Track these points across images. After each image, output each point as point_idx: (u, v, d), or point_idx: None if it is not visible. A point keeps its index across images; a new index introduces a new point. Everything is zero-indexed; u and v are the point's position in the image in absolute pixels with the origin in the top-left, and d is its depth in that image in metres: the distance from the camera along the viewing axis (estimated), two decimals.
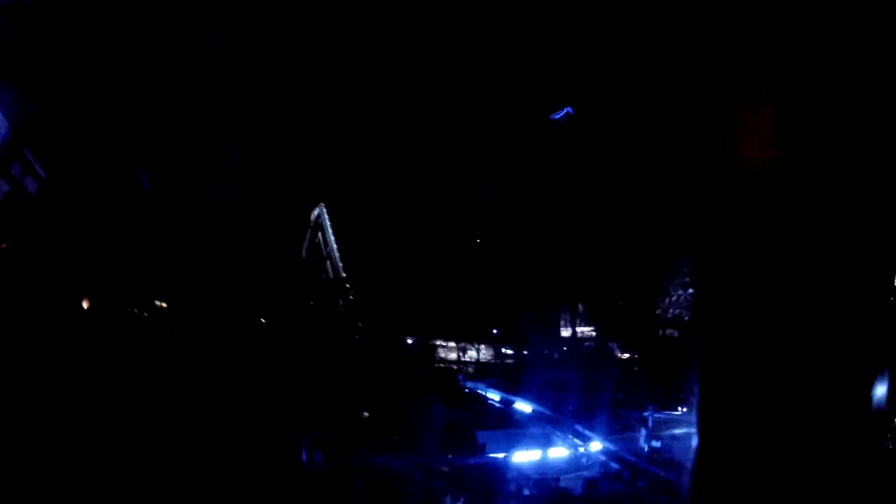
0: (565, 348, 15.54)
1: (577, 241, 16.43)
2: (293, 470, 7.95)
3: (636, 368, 14.44)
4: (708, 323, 4.22)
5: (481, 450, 8.94)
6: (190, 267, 10.35)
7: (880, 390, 3.60)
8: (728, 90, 4.03)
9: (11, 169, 7.33)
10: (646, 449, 9.67)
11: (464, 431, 8.93)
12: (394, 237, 16.63)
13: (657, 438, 9.66)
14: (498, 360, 14.71)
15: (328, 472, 8.39)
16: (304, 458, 8.07)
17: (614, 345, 16.37)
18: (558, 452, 9.50)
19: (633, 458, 9.07)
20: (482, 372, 12.52)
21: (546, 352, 14.54)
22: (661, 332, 17.38)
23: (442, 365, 16.26)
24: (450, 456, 8.45)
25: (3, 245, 7.26)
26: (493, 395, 10.63)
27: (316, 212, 15.39)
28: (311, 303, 14.11)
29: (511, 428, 9.63)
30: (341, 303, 15.23)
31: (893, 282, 3.74)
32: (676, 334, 16.19)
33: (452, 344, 16.31)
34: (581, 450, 9.55)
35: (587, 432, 9.67)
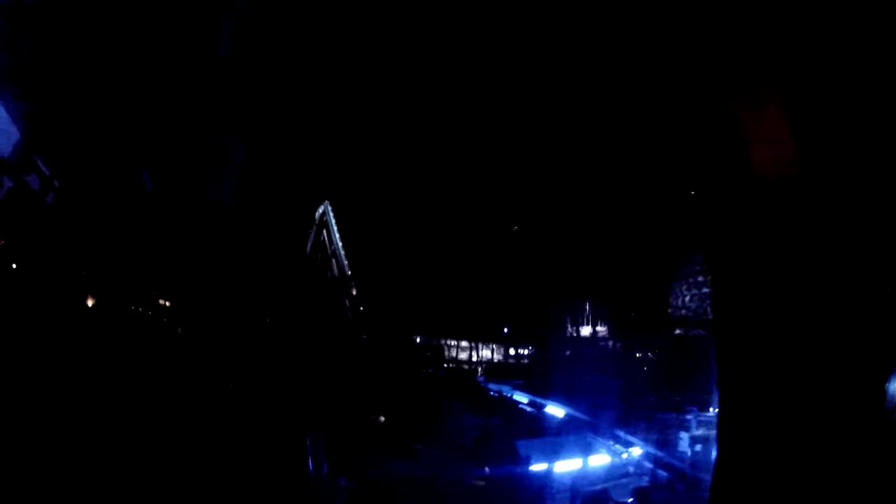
0: (585, 348, 14.95)
1: (593, 241, 16.05)
2: (298, 482, 7.39)
3: (661, 368, 13.85)
4: (724, 323, 4.24)
5: (523, 461, 7.89)
6: (194, 265, 10.14)
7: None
8: (729, 91, 4.08)
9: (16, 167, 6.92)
10: (689, 453, 9.00)
11: (501, 440, 8.06)
12: (400, 234, 16.10)
13: (698, 441, 8.99)
14: (514, 361, 14.12)
15: (337, 482, 7.73)
16: (310, 466, 7.42)
17: (633, 345, 15.86)
18: (600, 460, 8.76)
19: (681, 465, 8.38)
20: (502, 373, 11.86)
21: (567, 352, 13.96)
22: (679, 331, 16.87)
23: (453, 365, 15.63)
24: (487, 468, 7.29)
25: (1, 241, 6.81)
26: (522, 399, 9.91)
27: (321, 209, 14.86)
28: (317, 301, 13.63)
29: (548, 435, 8.85)
30: (347, 301, 14.70)
31: None
32: (701, 333, 15.65)
33: (465, 343, 15.68)
34: (624, 456, 8.85)
35: (628, 437, 8.97)
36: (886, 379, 3.60)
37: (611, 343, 15.48)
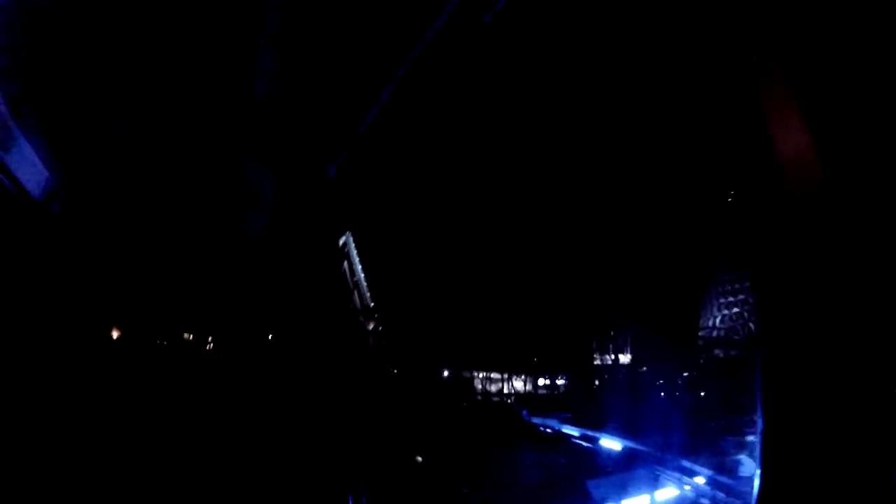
0: (621, 375, 14.41)
1: (618, 265, 15.58)
2: None
3: (706, 391, 13.33)
4: (771, 336, 4.24)
5: (596, 503, 7.20)
6: (218, 299, 9.87)
7: None
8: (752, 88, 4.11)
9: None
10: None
11: (568, 480, 7.47)
12: (422, 263, 15.75)
13: None
14: (548, 391, 13.59)
15: None
16: None
17: (667, 369, 15.33)
18: (668, 493, 8.22)
19: (751, 489, 7.82)
20: (544, 405, 11.35)
21: (606, 379, 13.44)
22: (718, 351, 16.34)
23: (488, 398, 15.09)
24: None
25: None
26: (573, 432, 9.34)
27: (342, 240, 14.60)
28: (342, 335, 13.23)
29: (611, 471, 8.27)
30: (371, 335, 14.29)
31: None
32: (736, 353, 15.14)
33: (495, 375, 15.17)
34: (689, 487, 8.30)
35: (692, 466, 8.43)
36: None
37: (644, 368, 14.96)
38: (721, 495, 7.86)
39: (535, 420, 10.02)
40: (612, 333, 15.34)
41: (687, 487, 8.15)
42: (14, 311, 6.60)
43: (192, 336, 9.26)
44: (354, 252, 15.01)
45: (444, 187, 14.87)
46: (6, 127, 6.41)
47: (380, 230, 15.92)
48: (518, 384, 13.79)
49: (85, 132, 7.48)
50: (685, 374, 13.88)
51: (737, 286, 14.83)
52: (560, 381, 14.01)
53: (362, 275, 15.49)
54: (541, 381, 14.81)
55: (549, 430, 9.37)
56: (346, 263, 14.94)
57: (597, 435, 8.85)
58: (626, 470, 8.17)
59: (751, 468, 9.27)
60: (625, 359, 15.01)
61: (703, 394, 12.83)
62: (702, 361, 14.85)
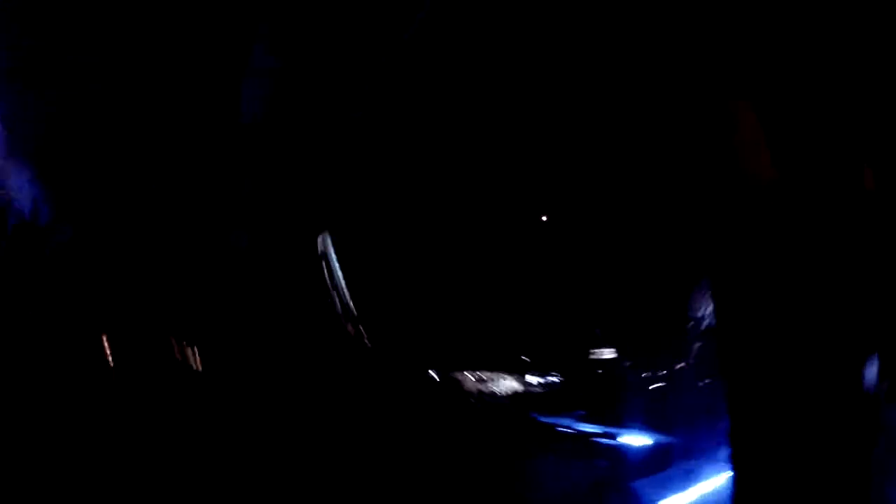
0: (630, 368, 14.06)
1: (604, 256, 15.24)
2: None
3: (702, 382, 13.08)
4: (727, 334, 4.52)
5: None
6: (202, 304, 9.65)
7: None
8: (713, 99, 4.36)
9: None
10: None
11: (612, 484, 6.69)
12: (405, 260, 15.18)
13: None
14: (545, 390, 13.17)
15: None
16: None
17: (655, 360, 15.11)
18: (712, 484, 7.85)
19: None
20: (552, 404, 10.86)
21: (612, 371, 13.06)
22: (707, 342, 16.25)
23: (478, 399, 14.57)
24: None
25: None
26: (593, 430, 8.82)
27: (319, 242, 14.10)
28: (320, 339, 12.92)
29: (650, 469, 7.76)
30: (353, 338, 13.73)
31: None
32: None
33: (486, 375, 14.65)
34: (729, 475, 7.91)
35: (723, 453, 8.06)
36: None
37: (630, 363, 14.66)
38: None
39: (548, 420, 9.45)
40: (596, 327, 15.01)
41: (729, 474, 7.76)
42: None
43: (173, 340, 9.34)
44: (333, 253, 14.51)
45: (431, 178, 14.38)
46: None
47: (362, 226, 15.34)
48: (511, 384, 13.32)
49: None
50: (680, 366, 13.65)
51: None
52: (554, 379, 13.59)
53: (342, 276, 14.90)
54: (534, 380, 14.40)
55: (568, 431, 8.79)
56: (324, 266, 14.41)
57: (619, 431, 8.36)
58: (666, 465, 7.76)
59: None
60: (618, 350, 14.67)
61: (700, 384, 12.56)
62: (695, 352, 14.67)
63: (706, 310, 15.50)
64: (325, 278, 14.08)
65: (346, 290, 14.30)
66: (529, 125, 14.19)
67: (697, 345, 14.45)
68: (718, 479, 7.65)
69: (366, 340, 13.65)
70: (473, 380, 13.40)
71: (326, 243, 14.20)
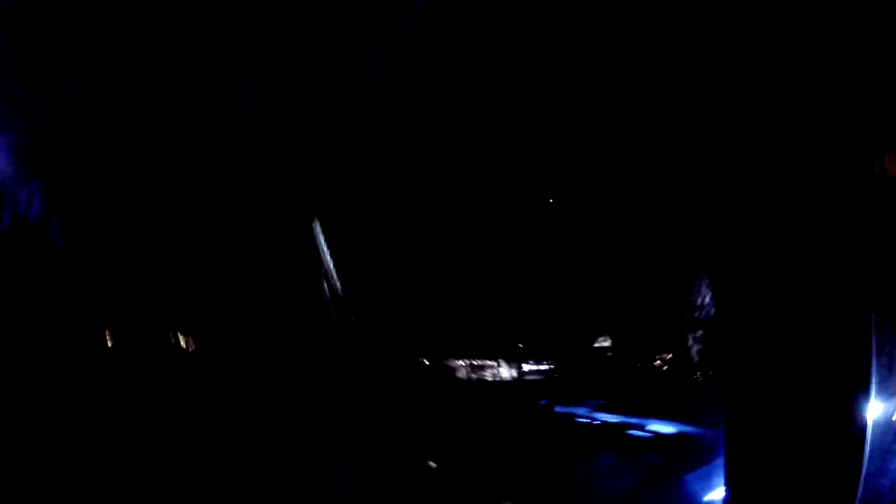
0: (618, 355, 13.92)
1: (602, 244, 15.03)
2: None
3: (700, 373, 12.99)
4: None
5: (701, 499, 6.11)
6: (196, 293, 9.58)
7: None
8: None
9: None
10: None
11: (663, 479, 6.22)
12: (396, 247, 14.83)
13: None
14: (543, 377, 12.97)
15: None
16: None
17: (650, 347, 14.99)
18: None
19: None
20: (565, 391, 10.61)
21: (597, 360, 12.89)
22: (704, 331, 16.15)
23: (475, 386, 14.31)
24: None
25: None
26: (615, 420, 8.50)
27: (307, 229, 13.84)
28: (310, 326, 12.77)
29: (690, 460, 7.41)
30: (342, 324, 13.42)
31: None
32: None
33: (478, 362, 14.39)
34: None
35: None
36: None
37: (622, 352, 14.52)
38: None
39: (564, 410, 9.08)
40: (592, 315, 14.82)
41: None
42: None
43: (173, 332, 9.23)
44: (322, 240, 14.19)
45: (424, 164, 14.04)
46: None
47: (352, 211, 15.01)
48: (506, 371, 13.10)
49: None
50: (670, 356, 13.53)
51: None
52: (546, 366, 13.39)
53: (331, 263, 14.56)
54: (527, 368, 14.18)
55: (594, 422, 8.43)
56: (312, 251, 14.13)
57: (643, 421, 8.04)
58: (711, 458, 7.47)
59: None
60: (616, 338, 14.53)
61: (699, 375, 12.42)
62: (691, 340, 14.57)
63: (706, 298, 15.43)
64: (314, 264, 13.72)
65: (335, 276, 13.93)
66: (525, 115, 13.91)
67: (699, 333, 14.39)
68: None
69: (354, 325, 13.32)
70: (467, 367, 13.14)
71: (316, 229, 13.85)
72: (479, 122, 14.44)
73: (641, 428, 7.57)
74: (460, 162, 14.52)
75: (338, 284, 14.04)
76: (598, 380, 11.30)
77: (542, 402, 9.83)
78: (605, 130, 13.46)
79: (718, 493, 6.03)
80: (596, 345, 13.67)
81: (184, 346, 9.09)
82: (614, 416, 8.20)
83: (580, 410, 8.65)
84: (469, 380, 12.76)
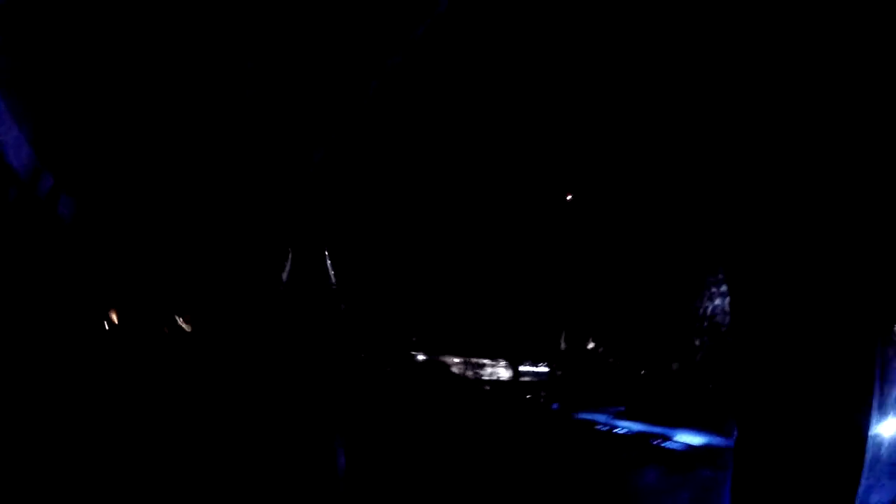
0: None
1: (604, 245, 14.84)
2: None
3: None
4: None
5: None
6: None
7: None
8: None
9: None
10: None
11: (719, 497, 5.77)
12: (391, 243, 14.50)
13: None
14: (541, 378, 12.65)
15: None
16: None
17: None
18: None
19: None
20: (580, 396, 10.29)
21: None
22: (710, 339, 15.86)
23: (476, 386, 13.99)
24: None
25: None
26: (640, 428, 8.10)
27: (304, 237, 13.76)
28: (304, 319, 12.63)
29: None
30: (335, 318, 13.11)
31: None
32: None
33: (476, 360, 14.09)
34: None
35: None
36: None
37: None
38: None
39: (581, 416, 8.70)
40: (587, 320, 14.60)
41: None
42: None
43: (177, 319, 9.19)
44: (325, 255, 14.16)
45: (420, 164, 13.74)
46: None
47: (351, 207, 14.72)
48: (502, 372, 12.85)
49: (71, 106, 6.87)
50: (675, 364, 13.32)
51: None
52: (542, 369, 13.16)
53: (326, 254, 14.30)
54: (523, 369, 13.88)
55: (618, 430, 8.04)
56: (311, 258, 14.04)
57: (670, 431, 7.69)
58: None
59: None
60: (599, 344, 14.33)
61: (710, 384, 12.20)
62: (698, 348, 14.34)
63: (711, 308, 15.32)
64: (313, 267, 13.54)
65: (329, 268, 13.66)
66: (529, 119, 13.69)
67: (706, 341, 14.26)
68: None
69: (348, 321, 13.03)
70: (463, 364, 12.84)
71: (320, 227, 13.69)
72: (484, 125, 14.20)
73: (669, 438, 7.31)
74: (464, 163, 14.25)
75: (332, 274, 13.74)
76: (602, 384, 11.12)
77: (554, 405, 9.56)
78: (614, 136, 13.29)
79: None
80: (594, 348, 13.51)
81: (185, 328, 9.12)
82: (636, 424, 7.94)
83: (599, 417, 8.39)
84: (465, 377, 12.49)
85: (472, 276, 13.54)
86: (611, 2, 8.19)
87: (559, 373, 12.20)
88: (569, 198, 13.71)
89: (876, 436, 4.33)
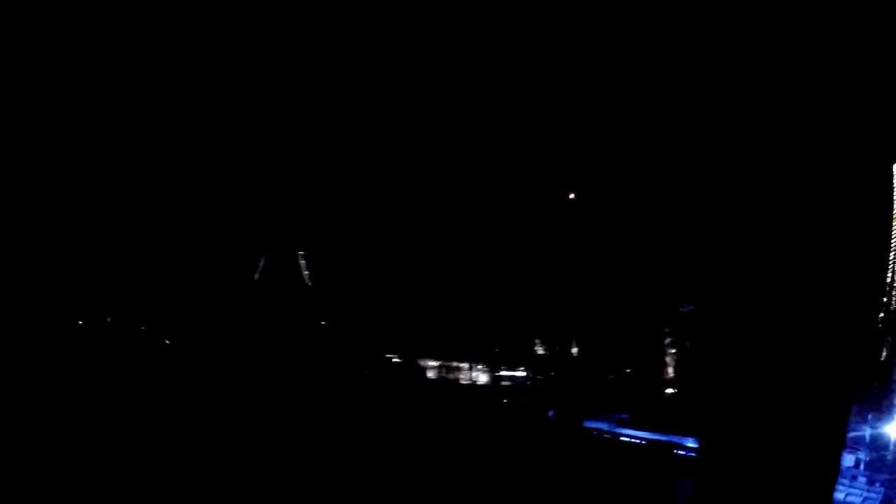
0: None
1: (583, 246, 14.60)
2: None
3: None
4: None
5: None
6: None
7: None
8: None
9: None
10: None
11: None
12: (369, 246, 14.15)
13: None
14: (532, 383, 12.42)
15: None
16: None
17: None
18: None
19: None
20: (580, 403, 10.03)
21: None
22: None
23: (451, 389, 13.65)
24: None
25: None
26: (650, 437, 7.79)
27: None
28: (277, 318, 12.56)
29: None
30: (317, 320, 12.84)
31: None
32: None
33: (455, 364, 13.77)
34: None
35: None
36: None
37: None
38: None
39: (587, 424, 8.38)
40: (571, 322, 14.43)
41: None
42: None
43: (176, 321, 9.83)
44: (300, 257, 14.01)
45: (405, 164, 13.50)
46: None
47: (328, 210, 14.49)
48: (482, 376, 12.67)
49: None
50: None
51: None
52: (520, 373, 13.03)
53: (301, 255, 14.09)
54: (504, 373, 13.63)
55: (628, 440, 7.73)
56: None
57: (680, 440, 7.49)
58: None
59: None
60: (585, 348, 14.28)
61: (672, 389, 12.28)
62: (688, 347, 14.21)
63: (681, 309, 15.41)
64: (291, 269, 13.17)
65: (304, 269, 13.35)
66: (513, 125, 13.61)
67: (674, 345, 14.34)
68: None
69: (323, 323, 12.65)
70: (440, 367, 12.60)
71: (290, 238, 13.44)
72: (459, 130, 14.07)
73: (684, 447, 7.17)
74: (443, 171, 14.07)
75: (306, 275, 13.45)
76: (594, 391, 10.99)
77: (550, 412, 9.31)
78: (601, 141, 13.30)
79: None
80: (578, 353, 13.43)
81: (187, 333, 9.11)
82: (643, 433, 7.78)
83: (603, 425, 8.21)
84: (442, 380, 12.24)
85: (449, 281, 13.30)
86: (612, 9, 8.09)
87: (539, 377, 12.05)
88: (571, 196, 13.66)
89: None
